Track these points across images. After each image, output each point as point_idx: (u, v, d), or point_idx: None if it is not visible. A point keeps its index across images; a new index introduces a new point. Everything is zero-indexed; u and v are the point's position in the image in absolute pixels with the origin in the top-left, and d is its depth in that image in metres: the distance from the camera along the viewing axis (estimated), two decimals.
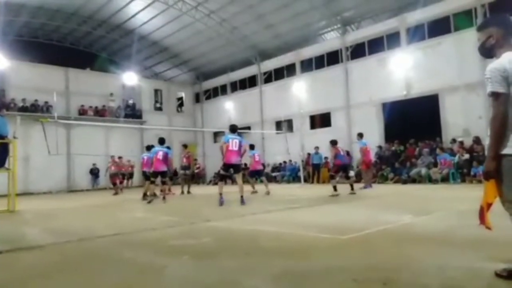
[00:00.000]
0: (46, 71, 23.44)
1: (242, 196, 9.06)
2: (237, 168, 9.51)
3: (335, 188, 10.70)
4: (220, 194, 9.15)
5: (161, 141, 11.99)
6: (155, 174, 11.62)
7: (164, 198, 11.21)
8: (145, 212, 9.23)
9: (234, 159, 9.27)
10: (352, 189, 11.11)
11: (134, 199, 12.89)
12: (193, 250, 4.22)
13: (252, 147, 13.77)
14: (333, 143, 11.63)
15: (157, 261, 3.75)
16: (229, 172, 9.73)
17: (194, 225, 6.15)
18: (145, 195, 12.48)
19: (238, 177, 9.61)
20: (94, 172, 23.48)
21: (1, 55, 20.30)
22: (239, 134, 10.22)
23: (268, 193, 12.26)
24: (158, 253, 4.16)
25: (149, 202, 10.94)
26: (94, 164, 23.26)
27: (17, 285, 3.16)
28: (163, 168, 11.56)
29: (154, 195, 11.67)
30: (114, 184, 16.94)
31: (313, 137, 21.18)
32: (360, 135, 14.58)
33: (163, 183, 12.00)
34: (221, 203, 8.97)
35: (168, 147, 12.91)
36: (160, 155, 11.48)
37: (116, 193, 16.07)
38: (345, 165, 11.83)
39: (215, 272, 3.25)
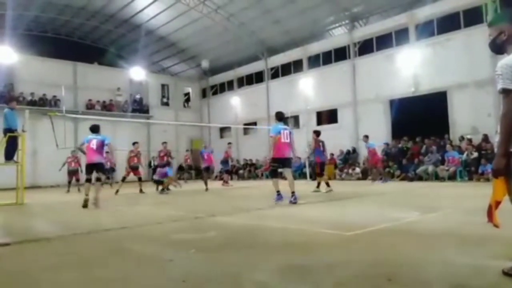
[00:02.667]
0: (54, 65, 23.60)
1: (293, 192, 7.97)
2: (289, 162, 8.60)
3: (327, 184, 10.85)
4: (278, 191, 8.18)
5: (94, 129, 9.27)
6: (89, 167, 8.93)
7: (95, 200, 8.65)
8: (150, 206, 9.29)
9: (288, 153, 8.41)
10: (328, 186, 10.78)
11: (137, 193, 12.98)
12: (198, 244, 4.24)
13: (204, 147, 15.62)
14: (318, 133, 11.64)
15: (163, 254, 3.78)
16: (279, 167, 8.52)
17: (199, 220, 6.18)
18: (163, 188, 13.05)
19: (289, 173, 8.48)
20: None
21: (11, 49, 20.50)
22: (286, 123, 9.26)
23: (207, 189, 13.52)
24: (164, 247, 4.19)
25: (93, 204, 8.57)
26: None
27: (25, 276, 3.20)
28: (98, 159, 8.97)
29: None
30: (70, 182, 15.49)
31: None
32: (367, 137, 15.11)
33: (98, 179, 9.17)
34: (279, 198, 8.10)
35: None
36: (93, 143, 8.92)
37: (68, 191, 14.93)
38: (324, 163, 11.83)
39: (220, 266, 3.27)
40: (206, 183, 14.15)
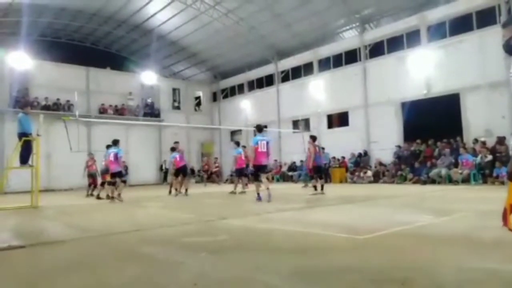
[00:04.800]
0: (68, 71, 23.98)
1: (268, 189, 9.44)
2: (265, 168, 10.17)
3: (315, 188, 11.37)
4: (258, 193, 9.60)
5: (114, 142, 12.00)
6: (112, 175, 11.79)
7: (113, 198, 11.38)
8: (161, 209, 9.36)
9: (264, 160, 9.83)
10: (322, 189, 11.33)
11: (148, 196, 13.08)
12: (209, 247, 4.25)
13: (238, 144, 14.37)
14: (314, 138, 12.09)
15: (174, 257, 3.81)
16: (258, 172, 9.92)
17: (210, 223, 6.20)
18: (175, 190, 13.29)
19: (263, 177, 9.95)
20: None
21: (25, 54, 20.92)
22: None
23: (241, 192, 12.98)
24: (175, 249, 4.22)
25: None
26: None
27: (40, 278, 3.25)
28: (115, 168, 11.64)
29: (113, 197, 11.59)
30: (91, 185, 14.80)
31: (330, 136, 21.03)
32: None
33: (123, 182, 12.03)
34: (259, 199, 9.43)
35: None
36: (111, 156, 11.63)
37: (94, 194, 14.09)
38: (320, 166, 12.19)
39: (231, 269, 3.27)
40: (236, 186, 13.32)
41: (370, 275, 2.90)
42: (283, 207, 8.05)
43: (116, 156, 11.59)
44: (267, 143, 9.86)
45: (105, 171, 13.66)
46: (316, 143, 12.12)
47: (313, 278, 2.91)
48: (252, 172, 10.38)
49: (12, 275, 3.37)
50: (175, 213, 8.13)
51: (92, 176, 14.74)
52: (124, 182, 11.96)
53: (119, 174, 11.72)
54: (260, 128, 10.31)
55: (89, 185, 14.74)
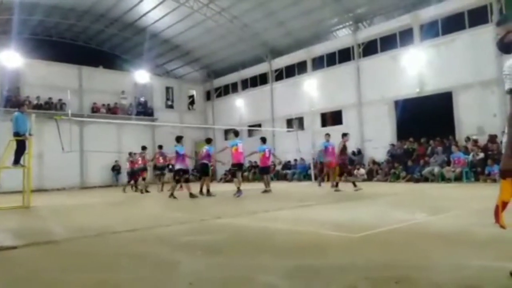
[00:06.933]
0: (60, 69, 23.75)
1: (239, 188, 11.16)
2: (242, 166, 12.38)
3: (354, 184, 11.68)
4: (238, 188, 11.17)
5: (178, 139, 12.41)
6: (176, 173, 12.40)
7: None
8: (157, 209, 9.32)
9: (242, 159, 11.83)
10: (336, 185, 12.23)
11: (144, 195, 13.02)
12: (205, 246, 4.25)
13: (264, 141, 13.39)
14: (345, 134, 12.73)
15: (171, 256, 3.79)
16: (237, 170, 11.80)
17: (205, 222, 6.19)
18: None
19: (239, 174, 11.89)
20: (116, 169, 23.68)
21: (16, 53, 20.67)
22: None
23: (267, 191, 12.24)
24: (171, 249, 4.20)
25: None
26: (116, 161, 23.49)
27: (33, 279, 3.21)
28: (178, 166, 12.05)
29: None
30: (136, 180, 16.20)
31: (324, 134, 21.05)
32: (328, 135, 14.75)
33: (187, 180, 12.18)
34: (239, 194, 10.98)
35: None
36: (178, 153, 12.29)
37: (143, 190, 15.19)
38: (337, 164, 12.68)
39: (228, 268, 3.27)
40: (268, 184, 12.69)
41: (365, 273, 2.92)
42: (279, 206, 8.06)
43: (177, 154, 11.94)
44: (242, 145, 11.81)
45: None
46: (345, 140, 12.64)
47: (309, 277, 2.92)
48: (233, 169, 12.20)
49: (2, 277, 3.33)
50: (170, 213, 8.10)
51: (132, 174, 16.24)
52: (187, 180, 12.09)
53: (177, 172, 12.00)
54: (237, 133, 12.83)
55: (129, 181, 16.50)
